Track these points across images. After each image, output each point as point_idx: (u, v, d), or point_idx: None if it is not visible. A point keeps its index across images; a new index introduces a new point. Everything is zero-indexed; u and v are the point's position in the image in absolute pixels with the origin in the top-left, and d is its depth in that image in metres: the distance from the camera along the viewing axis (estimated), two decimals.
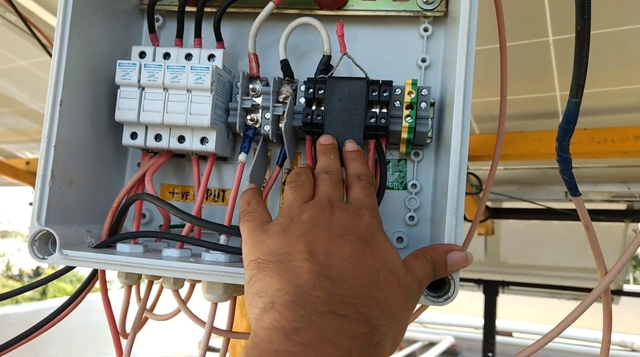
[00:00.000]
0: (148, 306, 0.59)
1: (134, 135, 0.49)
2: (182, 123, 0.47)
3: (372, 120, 0.46)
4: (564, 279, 3.50)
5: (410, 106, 0.46)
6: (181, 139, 0.49)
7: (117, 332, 0.50)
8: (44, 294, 9.21)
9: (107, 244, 0.47)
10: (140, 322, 0.52)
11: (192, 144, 0.48)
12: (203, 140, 0.48)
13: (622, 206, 2.29)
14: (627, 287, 3.57)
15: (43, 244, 0.45)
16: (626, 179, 1.97)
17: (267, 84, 0.50)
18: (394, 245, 0.51)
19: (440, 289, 0.41)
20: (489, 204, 2.58)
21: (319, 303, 0.29)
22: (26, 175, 2.47)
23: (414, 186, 0.51)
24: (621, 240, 2.72)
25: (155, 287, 0.58)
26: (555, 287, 3.37)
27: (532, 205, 2.16)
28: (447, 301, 0.40)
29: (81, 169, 0.48)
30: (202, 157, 0.52)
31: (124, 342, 0.52)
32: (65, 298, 0.51)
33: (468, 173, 1.88)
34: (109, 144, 0.52)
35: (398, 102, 0.47)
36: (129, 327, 0.52)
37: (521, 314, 5.56)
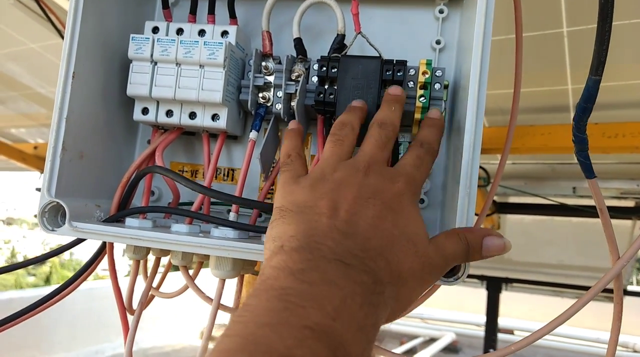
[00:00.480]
0: (155, 285, 0.59)
1: (145, 111, 0.49)
2: (194, 99, 0.47)
3: None
4: (568, 278, 3.49)
5: (424, 86, 0.46)
6: (192, 115, 0.48)
7: (124, 308, 0.50)
8: (47, 282, 9.28)
9: (116, 218, 0.47)
10: (147, 299, 0.52)
11: (203, 120, 0.48)
12: (214, 117, 0.48)
13: (630, 203, 2.27)
14: (630, 288, 3.56)
15: (53, 216, 0.45)
16: (635, 176, 1.95)
17: (280, 63, 0.49)
18: None
19: (455, 269, 0.41)
20: (495, 198, 2.57)
21: (326, 251, 0.30)
22: (34, 159, 2.48)
23: None
24: (628, 238, 2.70)
25: (161, 270, 0.58)
26: (559, 285, 3.36)
27: (539, 200, 2.15)
28: (457, 281, 0.40)
29: (92, 142, 0.48)
30: (212, 135, 0.52)
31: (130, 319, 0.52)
32: None
33: None
34: (120, 120, 0.52)
35: (412, 83, 0.46)
36: (135, 305, 0.52)
37: (523, 313, 5.55)
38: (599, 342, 4.97)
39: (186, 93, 0.47)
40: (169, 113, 0.49)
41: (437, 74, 0.47)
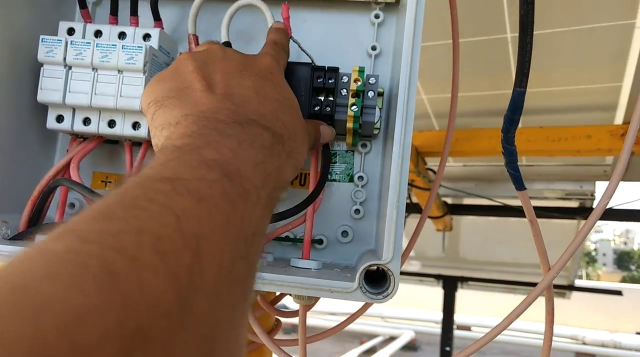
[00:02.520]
0: None
1: (60, 118, 0.45)
2: (112, 106, 0.43)
3: (317, 108, 0.44)
4: (521, 275, 3.59)
5: (356, 94, 0.44)
6: (112, 123, 0.45)
7: None
8: None
9: (25, 235, 0.44)
10: None
11: (123, 129, 0.45)
12: (135, 126, 0.45)
13: (574, 204, 2.36)
14: (578, 283, 3.70)
15: None
16: (579, 178, 2.03)
17: None
18: (339, 239, 0.49)
19: (380, 285, 0.39)
20: (448, 200, 2.61)
21: (223, 118, 0.29)
22: None
23: (360, 178, 0.49)
24: (573, 237, 2.77)
25: None
26: (513, 282, 3.45)
27: (491, 202, 2.21)
28: (387, 298, 0.38)
29: None
30: (135, 143, 0.49)
31: None
32: None
33: (427, 169, 1.89)
34: (33, 128, 0.48)
35: (345, 91, 0.45)
36: None
37: (479, 309, 5.69)
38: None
39: (103, 100, 0.43)
40: (87, 121, 0.45)
41: (371, 82, 0.45)
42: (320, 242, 0.49)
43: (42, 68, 0.44)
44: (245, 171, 0.25)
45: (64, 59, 0.43)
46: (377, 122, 0.47)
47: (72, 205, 0.50)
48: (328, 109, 0.44)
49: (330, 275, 0.40)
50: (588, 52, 1.15)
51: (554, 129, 1.39)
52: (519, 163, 0.44)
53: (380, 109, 0.47)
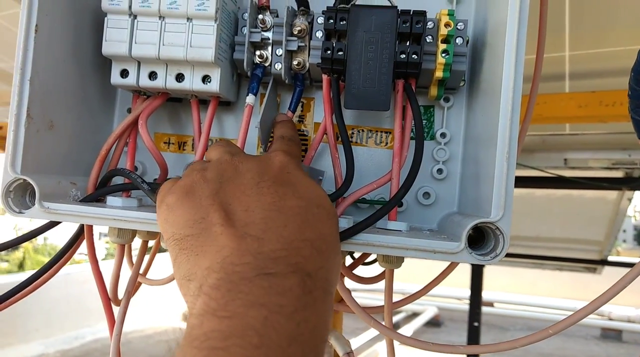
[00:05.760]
0: (141, 271, 0.53)
1: (124, 73, 0.42)
2: (182, 57, 0.40)
3: (403, 56, 0.40)
4: (547, 250, 3.53)
5: (446, 40, 0.40)
6: (180, 77, 0.42)
7: (108, 299, 0.44)
8: (21, 267, 9.07)
9: (95, 197, 0.41)
10: (134, 287, 0.46)
11: (192, 83, 0.42)
12: (205, 79, 0.42)
13: (619, 174, 2.27)
14: (611, 259, 3.63)
15: (19, 196, 0.38)
16: (627, 146, 1.94)
17: (278, 17, 0.43)
18: (420, 200, 0.46)
19: (486, 245, 0.36)
20: None
21: (247, 270, 0.26)
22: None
23: (443, 135, 0.46)
24: (612, 208, 2.71)
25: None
26: (542, 257, 3.39)
27: (527, 173, 2.13)
28: (495, 259, 0.35)
29: (63, 110, 0.41)
30: (202, 101, 0.46)
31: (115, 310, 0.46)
32: None
33: None
34: (95, 85, 0.45)
35: (430, 37, 0.41)
36: (120, 294, 0.47)
37: (502, 285, 5.65)
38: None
39: (172, 51, 0.40)
40: (153, 75, 0.42)
41: (459, 27, 0.41)
42: (400, 204, 0.46)
43: (106, 18, 0.41)
44: None
45: (129, 7, 0.40)
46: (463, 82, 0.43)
47: (136, 168, 0.48)
48: (415, 56, 0.40)
49: (425, 236, 0.37)
50: None
51: (608, 93, 1.30)
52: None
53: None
